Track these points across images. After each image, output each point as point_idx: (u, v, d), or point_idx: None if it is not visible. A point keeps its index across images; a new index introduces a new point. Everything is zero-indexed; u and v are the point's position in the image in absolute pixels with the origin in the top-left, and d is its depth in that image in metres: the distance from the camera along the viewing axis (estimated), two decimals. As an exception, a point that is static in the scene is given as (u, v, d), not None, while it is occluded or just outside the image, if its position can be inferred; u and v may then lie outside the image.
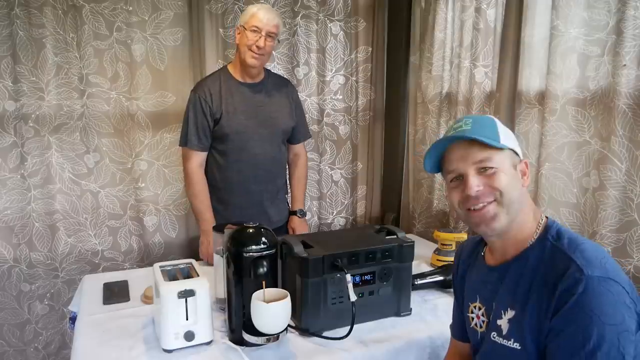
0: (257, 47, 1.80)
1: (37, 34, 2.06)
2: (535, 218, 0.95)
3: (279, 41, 1.94)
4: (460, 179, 0.94)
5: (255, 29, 1.80)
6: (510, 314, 0.92)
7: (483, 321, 1.01)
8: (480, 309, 1.02)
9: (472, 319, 1.05)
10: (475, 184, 0.91)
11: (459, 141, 0.94)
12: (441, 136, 2.29)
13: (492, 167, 0.91)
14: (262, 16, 1.80)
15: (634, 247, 1.48)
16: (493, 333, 0.96)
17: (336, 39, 2.54)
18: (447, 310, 1.35)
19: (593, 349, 0.77)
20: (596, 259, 0.83)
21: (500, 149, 0.92)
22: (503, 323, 0.94)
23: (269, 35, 1.81)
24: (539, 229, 0.94)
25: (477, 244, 1.10)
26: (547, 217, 0.96)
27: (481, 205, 0.91)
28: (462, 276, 1.12)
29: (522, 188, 0.94)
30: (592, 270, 0.81)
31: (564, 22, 1.60)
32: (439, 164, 1.00)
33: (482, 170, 0.92)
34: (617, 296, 0.79)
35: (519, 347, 0.90)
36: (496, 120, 0.97)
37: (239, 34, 1.85)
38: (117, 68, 2.20)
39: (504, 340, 0.93)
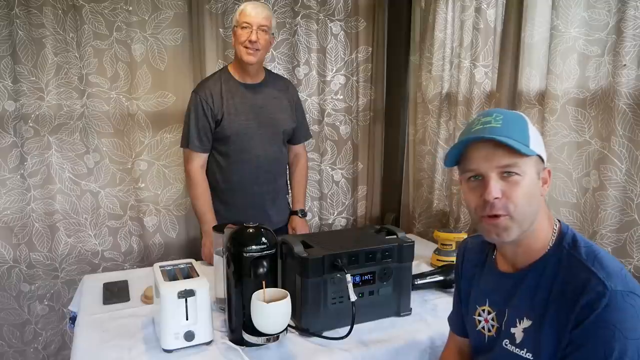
0: (250, 41, 1.79)
1: (37, 33, 2.06)
2: (549, 224, 0.93)
3: (274, 35, 1.93)
4: (479, 179, 0.89)
5: (246, 24, 1.80)
6: (526, 323, 0.91)
7: (492, 326, 1.00)
8: (489, 313, 1.01)
9: (479, 321, 1.04)
10: (495, 190, 0.86)
11: (487, 139, 0.87)
12: (441, 136, 2.30)
13: (517, 174, 0.86)
14: (249, 11, 1.80)
15: (634, 247, 1.48)
16: (505, 340, 0.95)
17: (336, 39, 2.54)
18: (447, 310, 1.34)
19: None
20: (616, 271, 0.82)
21: (529, 155, 0.86)
22: (517, 332, 0.92)
23: (261, 28, 1.81)
24: (554, 236, 0.92)
25: (485, 244, 1.07)
26: (560, 222, 0.94)
27: (495, 214, 0.87)
28: (469, 276, 1.10)
29: (540, 197, 0.90)
30: (615, 284, 0.80)
31: (564, 22, 1.60)
32: (457, 158, 0.93)
33: (505, 175, 0.86)
34: (638, 310, 0.79)
35: (532, 358, 0.89)
36: (527, 119, 0.91)
37: (233, 34, 1.86)
38: (117, 68, 2.20)
39: (517, 349, 0.92)
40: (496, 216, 0.87)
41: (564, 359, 0.84)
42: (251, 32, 1.79)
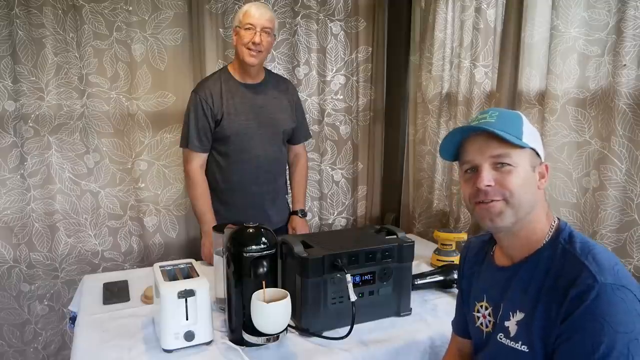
0: (254, 43, 1.80)
1: (37, 33, 2.06)
2: (547, 219, 0.94)
3: (275, 36, 1.93)
4: (474, 171, 0.93)
5: (250, 26, 1.80)
6: (519, 316, 0.92)
7: (489, 321, 1.01)
8: (487, 308, 1.02)
9: (478, 318, 1.05)
10: (487, 178, 0.90)
11: (480, 132, 0.92)
12: (441, 135, 2.30)
13: (509, 164, 0.89)
14: (254, 12, 1.80)
15: (634, 247, 1.48)
16: (500, 334, 0.95)
17: (336, 39, 2.54)
18: (447, 310, 1.35)
19: (602, 357, 0.77)
20: (608, 265, 0.82)
21: (521, 147, 0.90)
22: (511, 325, 0.93)
23: (264, 30, 1.81)
24: (551, 231, 0.93)
25: (485, 242, 1.09)
26: (558, 219, 0.95)
27: (489, 200, 0.90)
28: (469, 275, 1.11)
29: (537, 191, 0.92)
30: (605, 277, 0.80)
31: (564, 22, 1.60)
32: (456, 153, 0.98)
33: (498, 166, 0.90)
34: (630, 304, 0.79)
35: (527, 350, 0.89)
36: (523, 117, 0.95)
37: (235, 35, 1.86)
38: (117, 68, 2.20)
39: (512, 342, 0.93)
40: (490, 202, 0.90)
41: (555, 351, 0.84)
42: (255, 34, 1.79)
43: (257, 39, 1.79)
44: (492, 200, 0.90)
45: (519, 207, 0.90)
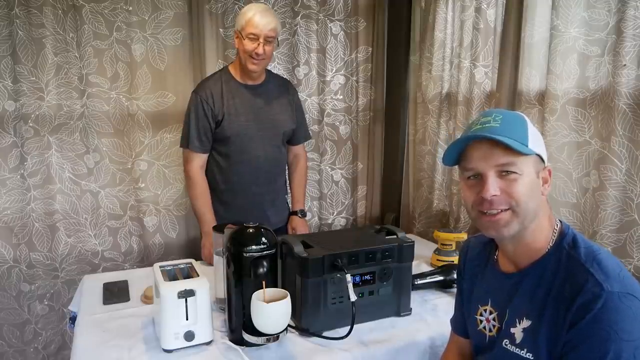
0: (257, 53, 1.79)
1: (37, 33, 2.06)
2: (549, 223, 0.93)
3: (278, 43, 1.93)
4: (478, 178, 0.90)
5: (253, 36, 1.77)
6: (525, 323, 0.91)
7: (494, 326, 1.01)
8: (491, 313, 1.01)
9: (481, 321, 1.04)
10: (493, 188, 0.87)
11: (484, 138, 0.88)
12: (441, 136, 2.29)
13: (515, 172, 0.87)
14: (257, 21, 1.76)
15: (634, 247, 1.48)
16: (505, 340, 0.95)
17: (336, 39, 2.54)
18: (447, 310, 1.35)
19: None
20: (614, 272, 0.82)
21: (527, 154, 0.87)
22: (517, 332, 0.93)
23: (267, 40, 1.80)
24: (554, 236, 0.92)
25: (486, 244, 1.08)
26: (561, 222, 0.94)
27: (495, 211, 0.88)
28: (470, 275, 1.10)
29: (540, 196, 0.91)
30: (612, 285, 0.80)
31: (564, 22, 1.60)
32: (457, 157, 0.94)
33: (503, 174, 0.88)
34: (636, 311, 0.79)
35: (532, 357, 0.89)
36: (527, 120, 0.92)
37: (236, 38, 1.84)
38: (117, 68, 2.20)
39: (517, 349, 0.92)
40: (496, 213, 0.88)
41: (561, 359, 0.84)
42: (258, 44, 1.78)
43: (260, 50, 1.78)
44: (499, 212, 0.88)
45: (525, 216, 0.88)
